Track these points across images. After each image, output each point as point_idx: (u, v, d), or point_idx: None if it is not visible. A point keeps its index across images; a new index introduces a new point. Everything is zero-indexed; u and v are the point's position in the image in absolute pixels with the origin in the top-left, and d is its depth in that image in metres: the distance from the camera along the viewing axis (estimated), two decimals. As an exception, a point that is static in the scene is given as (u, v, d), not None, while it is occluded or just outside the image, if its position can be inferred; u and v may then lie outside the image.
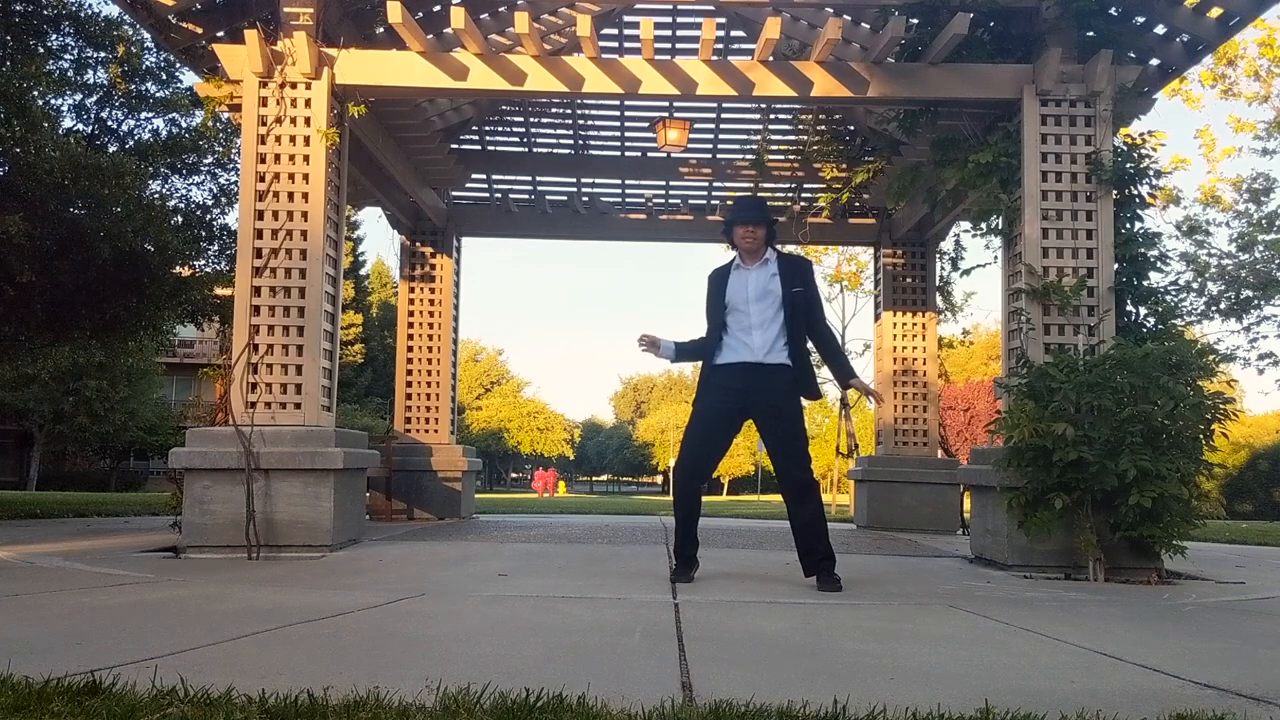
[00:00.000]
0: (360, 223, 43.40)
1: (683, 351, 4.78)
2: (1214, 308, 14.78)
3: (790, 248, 15.03)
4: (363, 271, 44.74)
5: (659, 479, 66.58)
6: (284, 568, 4.97)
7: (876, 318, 9.67)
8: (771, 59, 6.02)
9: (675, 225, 10.14)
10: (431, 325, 9.50)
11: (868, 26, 6.81)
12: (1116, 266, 5.73)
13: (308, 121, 5.78)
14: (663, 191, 10.12)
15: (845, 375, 4.75)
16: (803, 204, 9.70)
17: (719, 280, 4.68)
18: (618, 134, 9.39)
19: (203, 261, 10.62)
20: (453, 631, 3.15)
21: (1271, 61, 13.60)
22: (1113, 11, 5.92)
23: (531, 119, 9.21)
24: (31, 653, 2.61)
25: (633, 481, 73.65)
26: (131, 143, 10.43)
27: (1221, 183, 14.80)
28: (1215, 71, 13.82)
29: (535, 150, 9.57)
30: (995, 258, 6.46)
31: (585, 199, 10.07)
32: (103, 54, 10.00)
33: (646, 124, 9.00)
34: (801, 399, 4.60)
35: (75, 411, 27.31)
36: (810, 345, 4.72)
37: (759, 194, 9.83)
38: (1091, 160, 5.76)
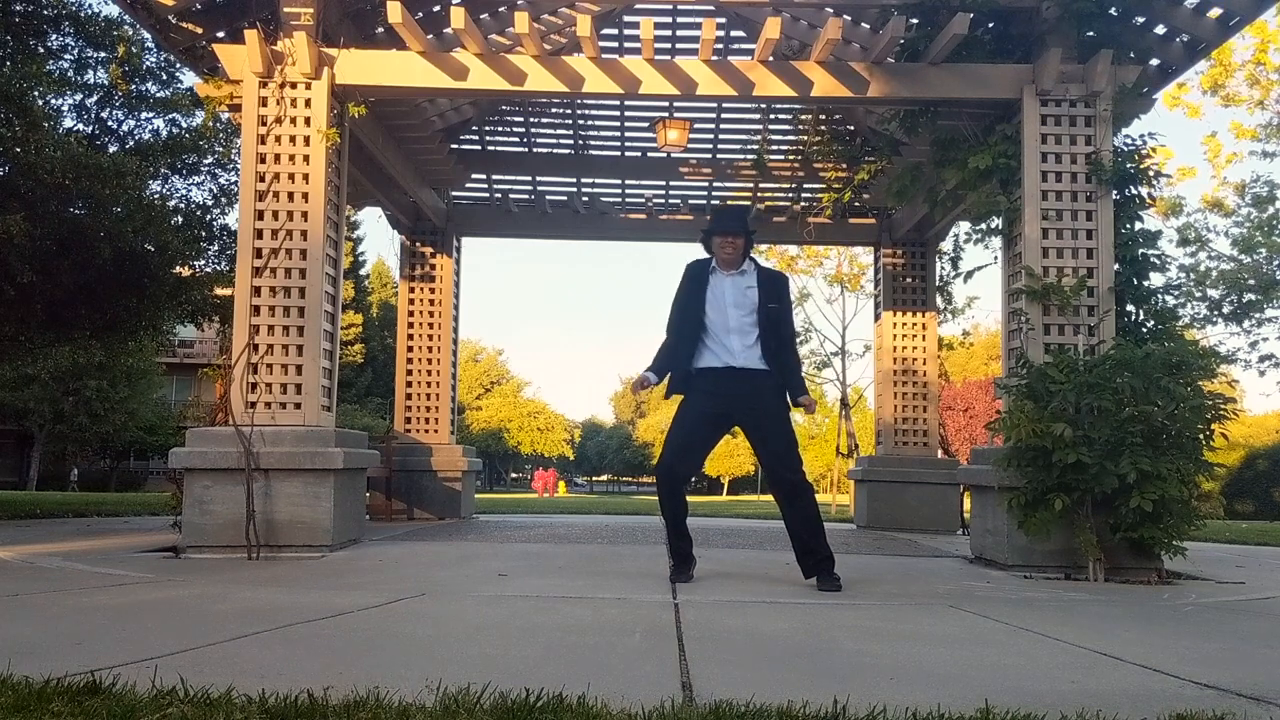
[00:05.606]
0: (360, 223, 43.47)
1: (661, 371, 4.72)
2: (1216, 312, 14.83)
3: (791, 248, 15.00)
4: (363, 271, 44.76)
5: (659, 479, 66.32)
6: (284, 568, 4.97)
7: (876, 318, 9.67)
8: (771, 59, 6.02)
9: (675, 225, 10.14)
10: (431, 325, 9.50)
11: (868, 26, 6.81)
12: (1116, 267, 5.73)
13: (308, 121, 5.78)
14: (663, 191, 10.12)
15: (797, 392, 4.63)
16: (803, 204, 9.70)
17: (698, 276, 4.66)
18: (618, 134, 9.39)
19: (203, 261, 10.60)
20: (453, 631, 3.15)
21: (1265, 67, 13.71)
22: (1113, 12, 5.92)
23: (531, 119, 9.20)
24: (31, 653, 2.61)
25: (633, 481, 73.55)
26: (132, 143, 10.40)
27: (1225, 187, 14.88)
28: (1212, 77, 13.90)
29: (535, 150, 9.56)
30: (995, 258, 6.46)
31: (585, 199, 10.06)
32: (103, 54, 9.99)
33: (646, 124, 9.00)
34: (788, 400, 4.58)
35: (75, 411, 27.31)
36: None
37: (759, 194, 9.85)
38: (1091, 160, 5.76)
